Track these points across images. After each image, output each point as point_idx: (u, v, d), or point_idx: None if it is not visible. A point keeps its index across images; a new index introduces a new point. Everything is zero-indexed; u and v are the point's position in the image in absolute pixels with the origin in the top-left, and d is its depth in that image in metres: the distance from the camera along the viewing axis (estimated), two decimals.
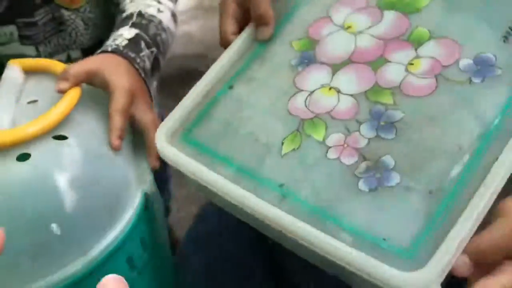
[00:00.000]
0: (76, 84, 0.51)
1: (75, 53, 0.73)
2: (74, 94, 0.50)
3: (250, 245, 0.59)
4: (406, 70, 0.45)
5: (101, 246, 0.47)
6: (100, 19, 0.73)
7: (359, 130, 0.43)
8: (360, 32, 0.49)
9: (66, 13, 0.69)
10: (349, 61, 0.48)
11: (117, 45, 0.58)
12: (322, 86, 0.47)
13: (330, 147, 0.43)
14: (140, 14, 0.63)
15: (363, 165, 0.41)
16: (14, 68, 0.53)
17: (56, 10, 0.68)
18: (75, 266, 0.45)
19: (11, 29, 0.67)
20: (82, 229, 0.46)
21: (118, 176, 0.51)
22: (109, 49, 0.58)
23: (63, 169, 0.46)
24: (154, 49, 0.62)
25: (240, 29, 0.53)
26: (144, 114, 0.55)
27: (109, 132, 0.51)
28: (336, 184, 0.40)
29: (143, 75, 0.58)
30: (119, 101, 0.52)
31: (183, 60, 1.89)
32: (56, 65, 0.54)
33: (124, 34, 0.60)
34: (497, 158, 0.37)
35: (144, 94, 0.56)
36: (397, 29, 0.48)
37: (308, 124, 0.45)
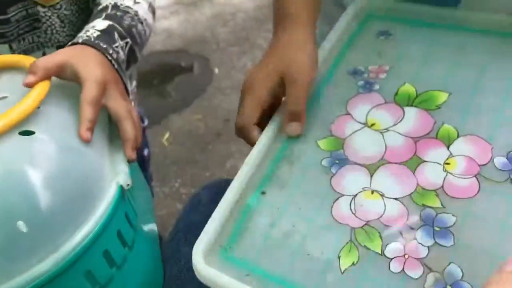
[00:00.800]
0: (45, 77, 0.49)
1: (50, 51, 0.71)
2: (41, 88, 0.48)
3: None
4: (444, 170, 0.45)
5: (74, 241, 0.44)
6: (77, 16, 0.71)
7: (416, 238, 0.42)
8: (387, 130, 0.49)
9: (41, 9, 0.67)
10: (384, 161, 0.47)
11: (89, 36, 0.56)
12: (364, 189, 0.46)
13: (391, 259, 0.41)
14: (115, 6, 0.63)
15: (431, 277, 0.40)
16: None
17: (30, 6, 0.66)
18: (47, 264, 0.43)
19: None
20: (52, 225, 0.44)
21: (90, 169, 0.48)
22: (80, 40, 0.56)
23: (30, 164, 0.45)
24: (128, 40, 0.61)
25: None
26: (118, 104, 0.52)
27: (79, 124, 0.49)
28: None
29: (116, 66, 0.56)
30: (89, 91, 0.49)
31: (163, 56, 1.88)
32: (27, 60, 0.52)
33: (97, 25, 0.59)
34: None
35: (117, 85, 0.54)
36: (424, 127, 0.49)
37: (360, 233, 0.43)
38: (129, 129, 0.51)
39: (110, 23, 0.60)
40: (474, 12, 0.57)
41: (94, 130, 0.49)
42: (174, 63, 1.82)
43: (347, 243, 0.43)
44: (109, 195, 0.48)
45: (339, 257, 0.42)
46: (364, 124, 0.50)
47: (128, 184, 0.49)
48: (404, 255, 0.41)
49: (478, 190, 0.44)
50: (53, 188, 0.45)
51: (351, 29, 0.60)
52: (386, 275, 0.40)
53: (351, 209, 0.45)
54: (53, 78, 0.51)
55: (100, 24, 0.59)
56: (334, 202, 0.45)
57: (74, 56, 0.52)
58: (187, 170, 1.42)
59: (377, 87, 0.53)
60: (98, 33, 0.57)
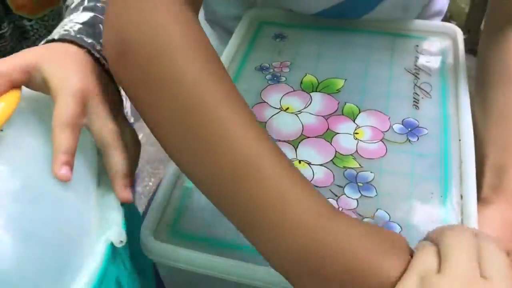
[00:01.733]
0: (9, 86, 0.37)
1: None
2: (6, 104, 0.36)
3: None
4: (355, 138, 0.52)
5: None
6: None
7: (345, 194, 0.47)
8: (300, 112, 0.55)
9: (27, 23, 0.63)
10: (303, 136, 0.52)
11: (67, 30, 0.43)
12: (292, 160, 0.50)
13: None
14: None
15: (366, 222, 0.45)
16: None
17: (17, 19, 0.62)
18: None
19: None
20: None
21: (68, 221, 0.36)
22: (56, 36, 0.42)
23: None
24: None
25: None
26: (102, 125, 0.39)
27: (52, 156, 0.37)
28: None
29: (106, 66, 0.43)
30: (63, 110, 0.37)
31: None
32: None
33: (75, 18, 0.45)
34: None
35: (103, 96, 0.41)
36: (330, 107, 0.55)
37: None
38: (117, 159, 0.40)
39: (92, 14, 0.47)
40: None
41: (75, 163, 0.37)
42: None
43: None
44: (95, 258, 0.36)
45: None
46: (279, 109, 0.55)
47: (121, 241, 0.37)
48: (338, 208, 0.46)
49: (386, 151, 0.51)
50: (14, 249, 0.33)
51: (250, 34, 0.66)
52: None
53: None
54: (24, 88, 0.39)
55: (79, 16, 0.46)
56: None
57: (44, 56, 0.39)
58: (160, 169, 1.47)
59: (283, 79, 0.59)
60: (79, 26, 0.44)
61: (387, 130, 0.53)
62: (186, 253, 0.42)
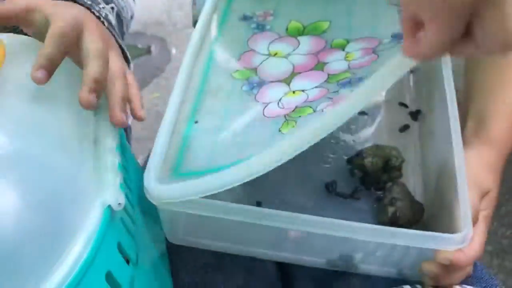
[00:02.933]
0: (14, 22, 0.39)
1: None
2: None
3: None
4: (347, 60, 0.51)
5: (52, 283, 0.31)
6: None
7: (339, 92, 0.46)
8: (289, 55, 0.55)
9: None
10: (296, 73, 0.52)
11: None
12: (286, 93, 0.49)
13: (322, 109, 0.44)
14: None
15: None
16: None
17: None
18: None
19: None
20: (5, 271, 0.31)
21: (63, 184, 0.34)
22: None
23: None
24: (114, 5, 0.50)
25: None
26: (93, 42, 0.39)
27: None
28: None
29: (106, 24, 0.45)
30: (56, 25, 0.38)
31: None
32: None
33: None
34: None
35: (97, 27, 0.42)
36: (319, 45, 0.55)
37: (294, 112, 0.46)
38: (117, 87, 0.41)
39: None
40: None
41: (69, 127, 0.37)
42: (130, 45, 1.77)
43: (283, 122, 0.45)
44: (92, 221, 0.34)
45: (279, 130, 0.44)
46: (268, 55, 0.55)
47: (119, 203, 0.36)
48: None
49: (378, 56, 0.49)
50: (9, 212, 0.32)
51: None
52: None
53: (279, 107, 0.48)
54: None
55: None
56: (264, 108, 0.48)
57: (47, 2, 0.40)
58: (148, 145, 1.39)
59: (268, 27, 0.59)
60: None
61: (378, 44, 0.51)
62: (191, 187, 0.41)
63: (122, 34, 0.54)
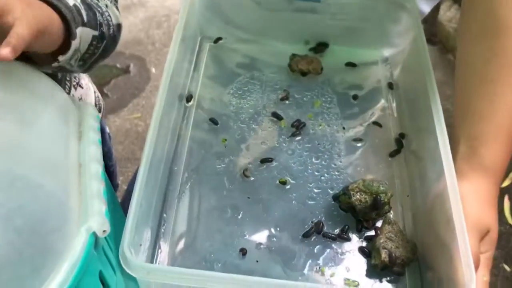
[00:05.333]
0: None
1: None
2: None
3: None
4: None
5: None
6: None
7: None
8: None
9: None
10: None
11: None
12: None
13: None
14: None
15: None
16: None
17: None
18: None
19: None
20: None
21: (48, 208, 0.34)
22: None
23: None
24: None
25: None
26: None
27: None
28: None
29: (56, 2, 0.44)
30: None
31: None
32: None
33: None
34: None
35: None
36: None
37: None
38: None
39: None
40: None
41: (56, 151, 0.35)
42: (110, 65, 1.75)
43: None
44: (75, 250, 0.33)
45: None
46: None
47: (104, 230, 0.35)
48: None
49: None
50: None
51: None
52: None
53: None
54: None
55: None
56: None
57: None
58: (128, 167, 1.42)
59: None
60: None
61: None
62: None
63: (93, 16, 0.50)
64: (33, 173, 0.34)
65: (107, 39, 0.52)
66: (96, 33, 0.49)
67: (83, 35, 0.47)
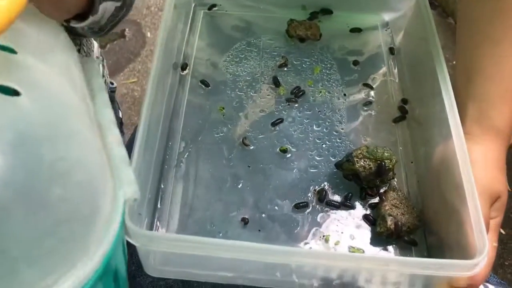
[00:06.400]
0: None
1: None
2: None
3: None
4: None
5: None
6: None
7: None
8: None
9: None
10: None
11: None
12: None
13: None
14: None
15: None
16: None
17: None
18: None
19: None
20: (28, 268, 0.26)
21: (95, 163, 0.31)
22: None
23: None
24: None
25: None
26: None
27: None
28: None
29: None
30: None
31: None
32: None
33: None
34: None
35: None
36: None
37: None
38: None
39: None
40: None
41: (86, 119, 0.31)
42: None
43: None
44: (117, 214, 0.31)
45: None
46: None
47: (135, 199, 0.33)
48: None
49: None
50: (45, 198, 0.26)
51: None
52: None
53: None
54: None
55: None
56: None
57: None
58: (125, 132, 1.41)
59: None
60: None
61: None
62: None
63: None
64: (77, 124, 0.31)
65: (127, 6, 0.49)
66: (118, 4, 0.45)
67: (107, 8, 0.43)
